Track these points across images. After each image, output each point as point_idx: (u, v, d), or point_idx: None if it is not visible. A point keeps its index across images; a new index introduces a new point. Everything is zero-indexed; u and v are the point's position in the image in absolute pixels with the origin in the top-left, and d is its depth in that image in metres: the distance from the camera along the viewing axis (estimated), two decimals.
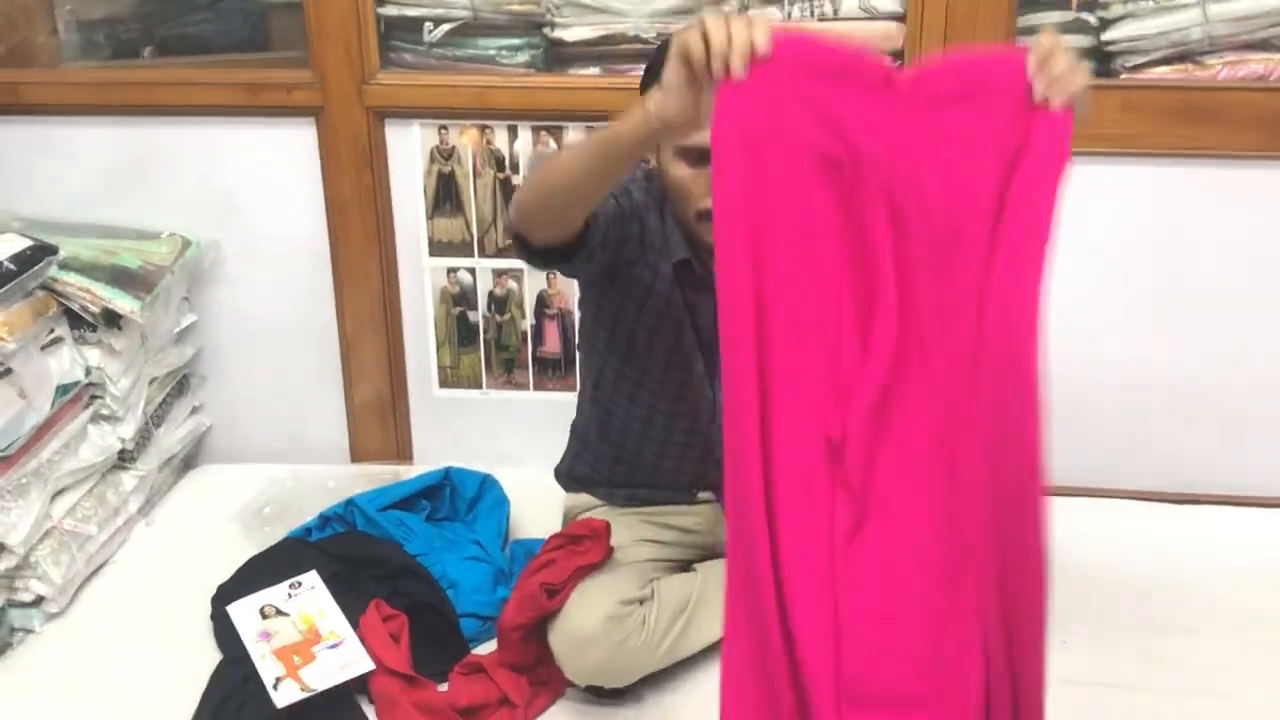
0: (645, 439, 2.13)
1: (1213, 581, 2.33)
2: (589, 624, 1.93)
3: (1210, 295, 2.48)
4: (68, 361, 2.34)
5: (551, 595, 1.96)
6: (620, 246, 1.91)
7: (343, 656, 2.04)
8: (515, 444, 2.28)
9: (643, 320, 2.02)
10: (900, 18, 2.36)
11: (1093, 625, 2.19)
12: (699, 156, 1.81)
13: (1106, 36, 2.36)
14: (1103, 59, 2.40)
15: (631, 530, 2.13)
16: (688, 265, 1.99)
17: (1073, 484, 2.59)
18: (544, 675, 2.04)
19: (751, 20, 1.36)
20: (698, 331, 2.03)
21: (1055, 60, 1.38)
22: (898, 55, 2.37)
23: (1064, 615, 2.21)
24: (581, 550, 2.02)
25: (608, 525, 2.05)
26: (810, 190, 1.43)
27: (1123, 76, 2.37)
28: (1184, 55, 2.37)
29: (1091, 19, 2.37)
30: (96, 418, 2.41)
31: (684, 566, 2.18)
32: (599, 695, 2.04)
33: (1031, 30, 2.36)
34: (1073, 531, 2.46)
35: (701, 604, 2.06)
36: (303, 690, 1.98)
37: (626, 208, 1.92)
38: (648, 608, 2.00)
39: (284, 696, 1.97)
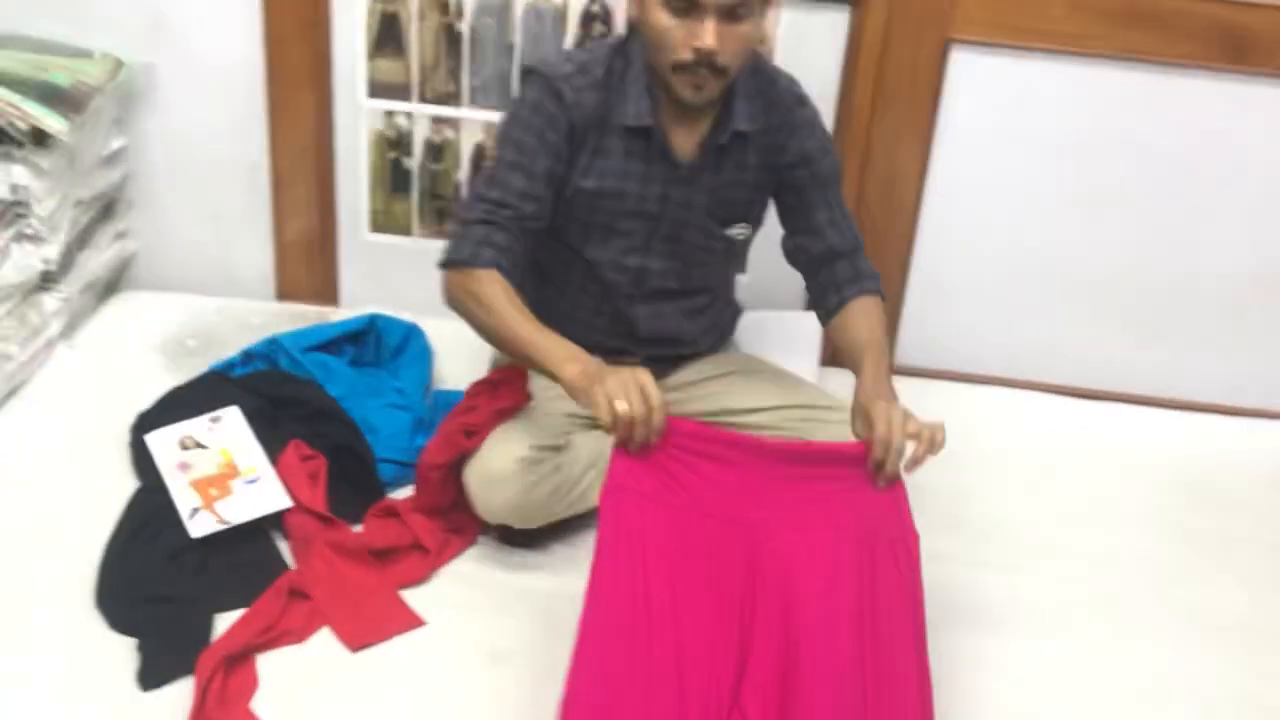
0: (578, 300, 2.14)
1: (1109, 475, 2.43)
2: (503, 464, 1.97)
3: (1131, 197, 2.53)
4: None
5: (469, 437, 2.00)
6: (558, 193, 2.00)
7: (260, 492, 2.06)
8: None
9: (584, 185, 2.02)
10: None
11: (991, 509, 2.29)
12: (684, 6, 1.82)
13: None
14: None
15: (555, 387, 2.16)
16: (645, 132, 1.99)
17: (983, 372, 2.68)
18: (457, 523, 2.09)
19: (653, 412, 1.72)
20: (641, 199, 2.04)
21: (889, 458, 1.75)
22: None
23: (965, 499, 2.32)
24: (500, 395, 2.05)
25: (525, 371, 2.08)
26: (685, 533, 1.72)
27: None
28: None
29: None
30: (20, 237, 2.37)
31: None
32: (509, 543, 2.09)
33: None
34: (979, 419, 2.57)
35: None
36: (219, 523, 2.01)
37: (553, 144, 1.97)
38: (562, 455, 2.04)
39: (199, 527, 2.00)
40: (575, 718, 1.55)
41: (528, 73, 2.04)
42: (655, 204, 2.04)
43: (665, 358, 2.22)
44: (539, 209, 1.98)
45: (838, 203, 2.11)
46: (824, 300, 2.10)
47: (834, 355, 2.14)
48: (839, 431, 1.97)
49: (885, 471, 1.77)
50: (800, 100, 2.09)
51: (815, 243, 2.10)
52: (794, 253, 2.14)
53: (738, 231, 2.11)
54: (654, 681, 1.60)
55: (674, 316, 2.17)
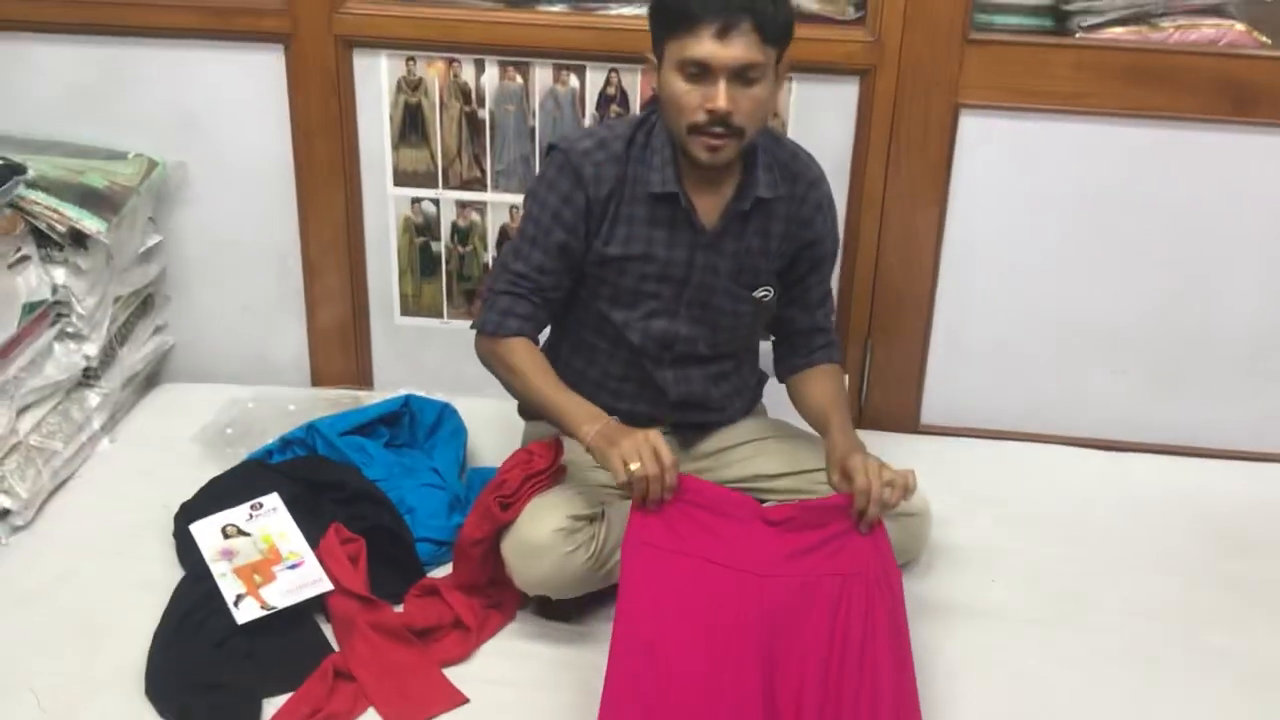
0: (608, 367, 2.20)
1: (1134, 525, 2.44)
2: (539, 534, 2.01)
3: (1146, 251, 2.56)
4: (34, 280, 2.37)
5: (505, 509, 2.04)
6: (575, 265, 2.12)
7: (302, 576, 2.11)
8: (474, 373, 2.34)
9: (610, 252, 2.09)
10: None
11: (1019, 563, 2.31)
12: (697, 71, 1.92)
13: None
14: (1060, 17, 2.47)
15: (591, 460, 2.21)
16: (669, 199, 2.06)
17: (1007, 428, 2.71)
18: (497, 598, 2.13)
19: (665, 472, 1.87)
20: (666, 264, 2.10)
21: (870, 508, 1.91)
22: (859, 5, 2.43)
23: (993, 554, 2.34)
24: (534, 466, 2.08)
25: (559, 443, 2.12)
26: (699, 584, 1.88)
27: (1078, 35, 2.43)
28: (1138, 17, 2.43)
29: None
30: (62, 335, 2.45)
31: None
32: (549, 617, 2.13)
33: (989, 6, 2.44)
34: (1004, 474, 2.60)
35: None
36: (263, 608, 2.05)
37: (568, 221, 2.08)
38: (597, 526, 2.07)
39: (245, 613, 2.04)
40: None
41: (550, 148, 2.12)
42: (682, 268, 2.11)
43: (694, 424, 2.27)
44: (557, 280, 2.11)
45: (828, 281, 2.26)
46: (790, 359, 2.28)
47: (799, 410, 2.27)
48: None
49: (867, 519, 1.93)
50: (820, 178, 2.18)
51: (804, 317, 2.25)
52: (779, 321, 2.27)
53: (762, 293, 2.17)
54: None
55: (701, 381, 2.22)
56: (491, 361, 2.14)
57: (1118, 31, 2.43)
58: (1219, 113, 2.42)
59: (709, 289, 2.13)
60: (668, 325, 2.15)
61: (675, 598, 1.87)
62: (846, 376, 2.56)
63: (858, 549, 1.93)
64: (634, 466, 1.86)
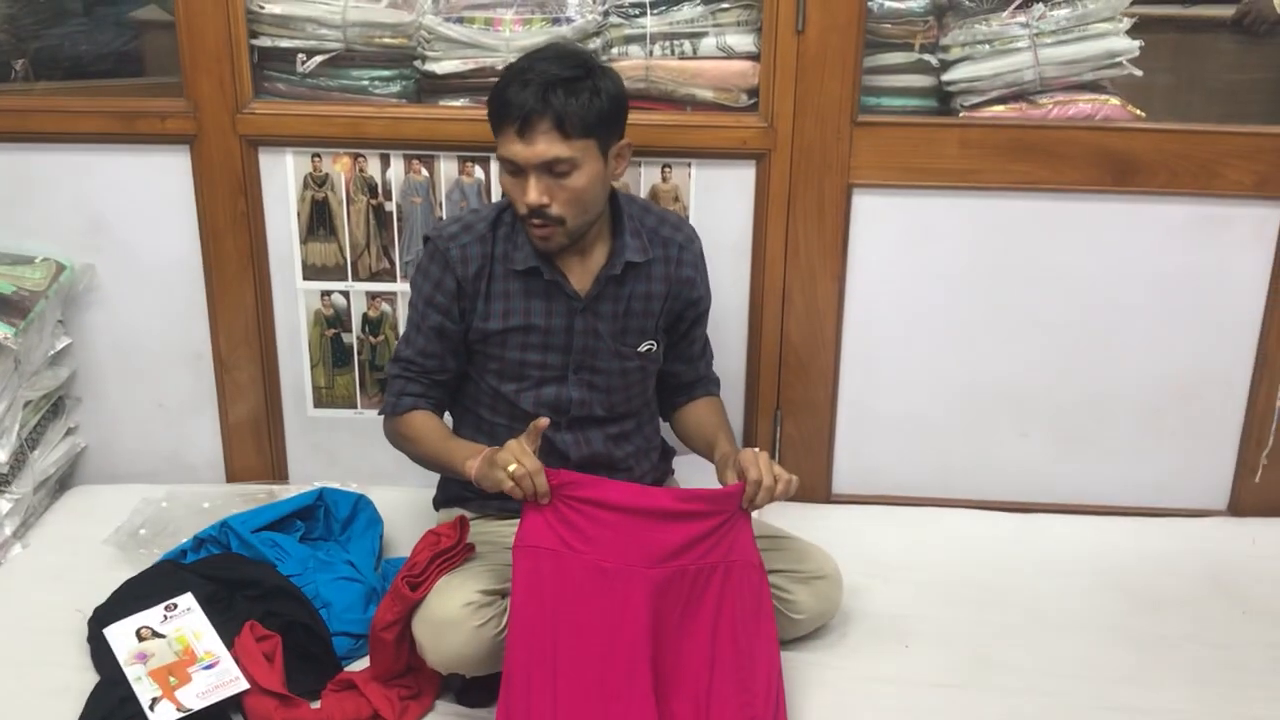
0: (509, 439, 2.21)
1: (1044, 585, 2.49)
2: (448, 609, 2.03)
3: (1041, 318, 2.64)
4: None
5: (414, 588, 2.06)
6: (456, 347, 2.24)
7: (218, 677, 2.10)
8: (389, 462, 2.36)
9: (490, 327, 2.20)
10: (755, 58, 2.49)
11: (932, 628, 2.35)
12: (512, 167, 2.07)
13: (946, 77, 2.52)
14: (943, 98, 2.56)
15: (503, 537, 2.23)
16: (535, 272, 2.16)
17: (916, 494, 2.76)
18: (415, 687, 2.13)
19: (534, 476, 1.99)
20: (547, 333, 2.20)
21: (760, 496, 2.05)
22: (752, 93, 2.50)
23: (907, 619, 2.38)
24: (440, 542, 2.11)
25: (464, 518, 2.15)
26: (583, 581, 2.02)
27: (961, 115, 2.52)
28: (1018, 95, 2.53)
29: (932, 60, 2.52)
30: None
31: None
32: (468, 704, 2.13)
33: (881, 69, 2.52)
34: (915, 540, 2.65)
35: None
36: (179, 710, 2.04)
37: (441, 305, 2.21)
38: (508, 600, 2.08)
39: (161, 717, 2.03)
40: None
41: (424, 240, 2.26)
42: (562, 335, 2.21)
43: None
44: (441, 363, 2.25)
45: (708, 337, 2.43)
46: (673, 398, 2.43)
47: (682, 439, 2.43)
48: (793, 559, 2.24)
49: (754, 505, 2.08)
50: (690, 238, 2.32)
51: (689, 370, 2.39)
52: (664, 375, 2.38)
53: (646, 347, 2.28)
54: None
55: (602, 442, 2.29)
56: (394, 439, 2.29)
57: (999, 110, 2.52)
58: (1100, 183, 2.51)
59: (592, 352, 2.23)
60: (558, 390, 2.24)
61: (565, 597, 2.00)
62: (759, 449, 2.62)
63: (740, 536, 2.09)
64: (512, 468, 1.98)
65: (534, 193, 2.04)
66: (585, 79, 2.03)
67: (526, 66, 2.05)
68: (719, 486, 2.13)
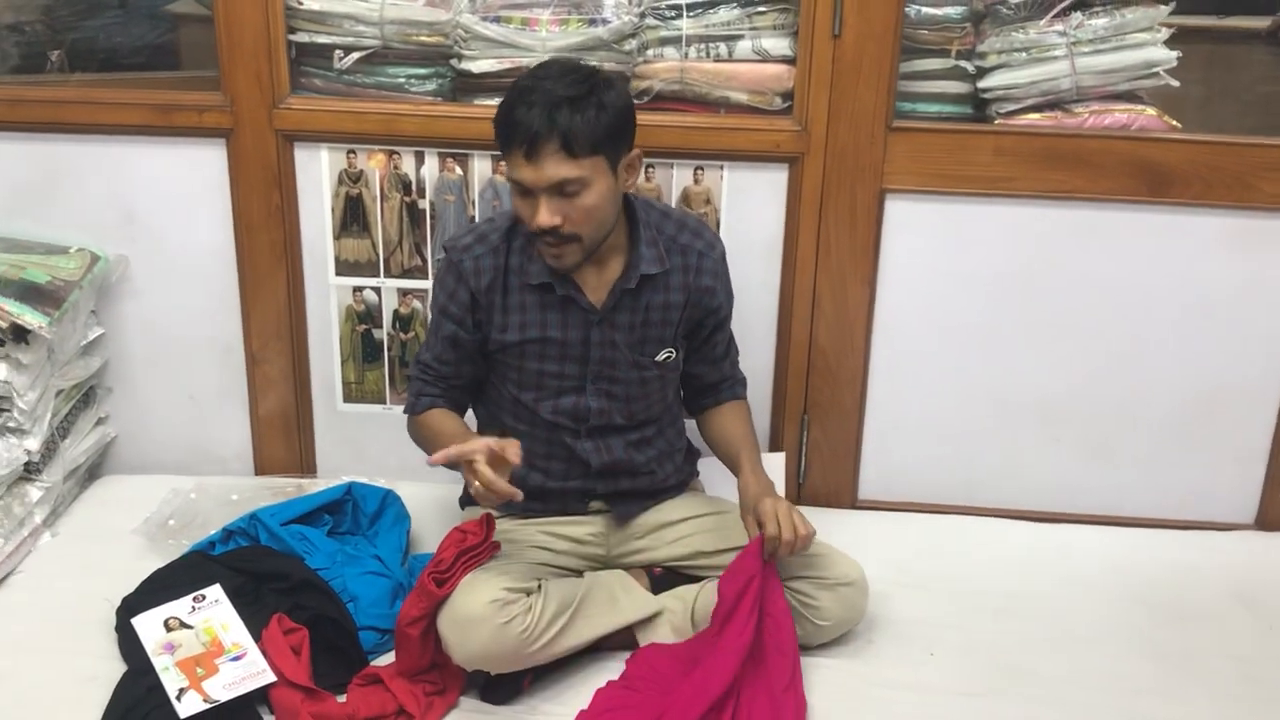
0: (533, 448, 2.23)
1: (1069, 596, 2.49)
2: (474, 605, 2.04)
3: (1071, 326, 2.63)
4: None
5: (441, 585, 2.07)
6: (471, 355, 2.27)
7: (245, 669, 2.11)
8: (416, 458, 2.37)
9: (506, 339, 2.21)
10: (790, 62, 2.49)
11: (956, 636, 2.34)
12: (522, 189, 2.06)
13: (982, 84, 2.51)
14: (978, 105, 2.55)
15: (528, 537, 2.28)
16: (547, 288, 2.17)
17: (943, 501, 2.75)
18: (440, 684, 2.14)
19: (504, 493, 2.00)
20: (563, 345, 2.20)
21: (780, 550, 2.12)
22: (786, 97, 2.50)
23: (931, 627, 2.38)
24: (467, 542, 2.12)
25: (489, 514, 2.16)
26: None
27: (997, 122, 2.52)
28: (1054, 103, 2.52)
29: (969, 67, 2.51)
30: (3, 430, 2.45)
31: (574, 574, 2.30)
32: (491, 702, 2.14)
33: (916, 75, 2.52)
34: (941, 547, 2.65)
35: (584, 605, 2.19)
36: (206, 701, 2.05)
37: (455, 315, 2.23)
38: (534, 599, 2.10)
39: (187, 708, 2.04)
40: None
41: (443, 249, 2.27)
42: (579, 347, 2.21)
43: (627, 495, 2.33)
44: (456, 369, 2.28)
45: (729, 332, 2.40)
46: (698, 400, 2.43)
47: (708, 445, 2.44)
48: (819, 565, 2.24)
49: (773, 558, 2.14)
50: (710, 244, 2.30)
51: (712, 372, 2.38)
52: (688, 377, 2.38)
53: (665, 355, 2.27)
54: None
55: (622, 449, 2.30)
56: (416, 437, 2.33)
57: (1034, 117, 2.51)
58: (1134, 194, 2.50)
59: (610, 363, 2.23)
60: (576, 400, 2.25)
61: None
62: (784, 454, 2.62)
63: (771, 590, 2.16)
64: (475, 486, 2.01)
65: (545, 214, 2.03)
66: (589, 95, 2.01)
67: (530, 86, 2.03)
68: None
